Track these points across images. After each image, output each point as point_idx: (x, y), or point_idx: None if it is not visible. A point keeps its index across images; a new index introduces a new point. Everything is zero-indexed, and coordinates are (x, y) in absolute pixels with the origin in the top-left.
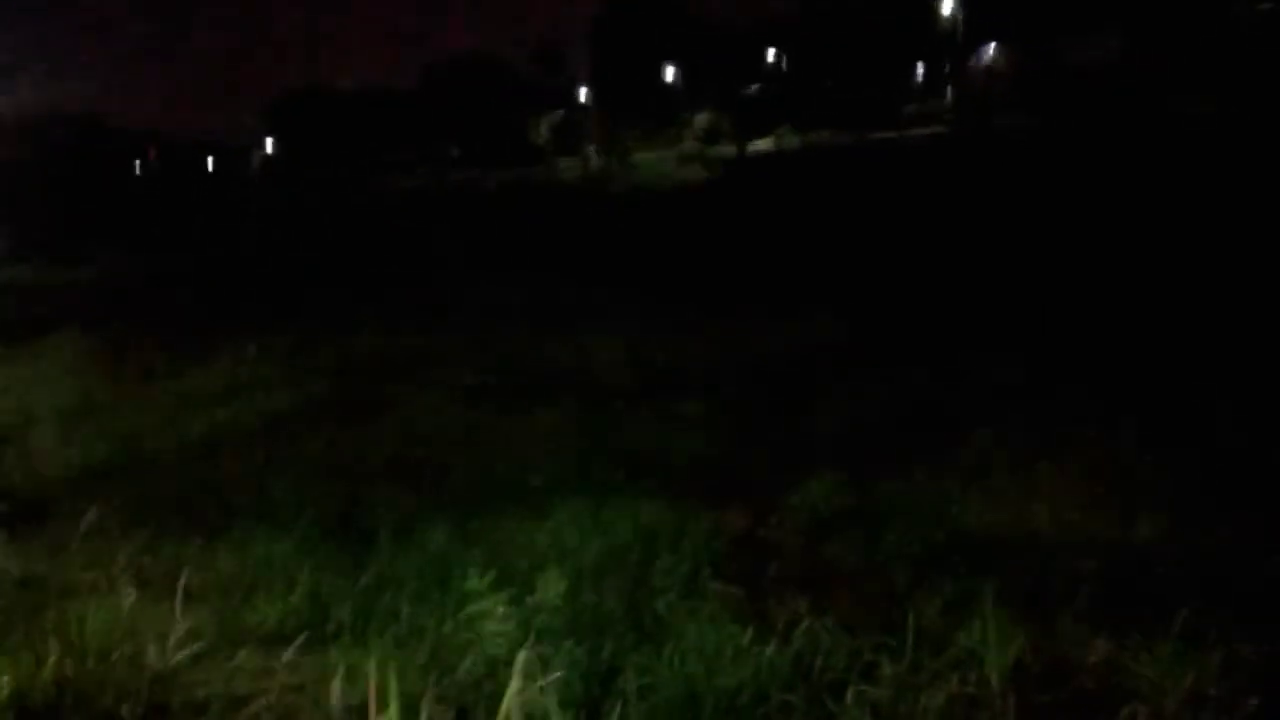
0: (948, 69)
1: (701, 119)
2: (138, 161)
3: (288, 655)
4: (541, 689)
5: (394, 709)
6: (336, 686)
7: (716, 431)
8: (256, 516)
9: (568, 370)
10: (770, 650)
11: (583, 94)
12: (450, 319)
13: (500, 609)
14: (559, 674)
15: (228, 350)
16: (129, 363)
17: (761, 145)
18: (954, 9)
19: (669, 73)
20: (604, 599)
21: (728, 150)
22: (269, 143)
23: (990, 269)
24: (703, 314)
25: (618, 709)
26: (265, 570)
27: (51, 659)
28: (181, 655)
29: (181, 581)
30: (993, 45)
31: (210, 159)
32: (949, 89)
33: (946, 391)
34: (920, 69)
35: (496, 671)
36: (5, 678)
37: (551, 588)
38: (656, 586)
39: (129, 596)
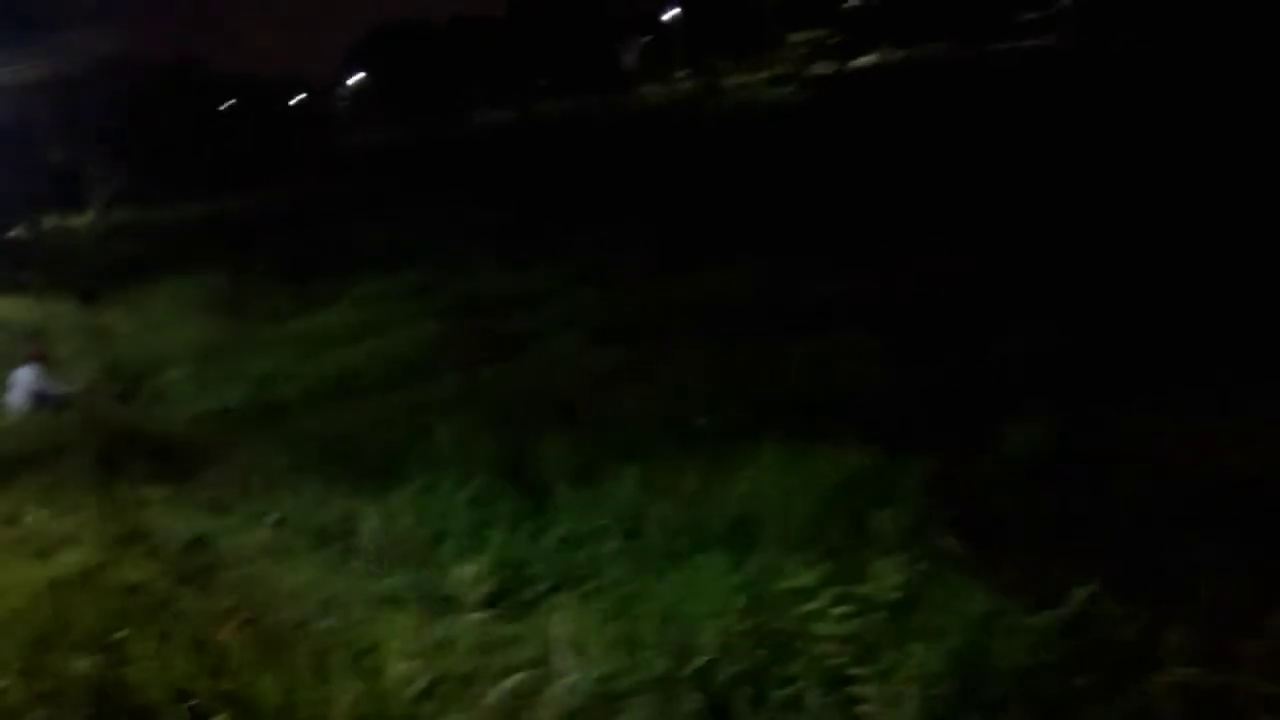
0: None
1: (800, 37)
2: (231, 102)
3: (498, 625)
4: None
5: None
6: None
7: (886, 364)
8: (421, 463)
9: (698, 306)
10: (1042, 621)
11: (670, 15)
12: (561, 255)
13: (837, 609)
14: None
15: (347, 289)
16: (251, 303)
17: (863, 62)
18: None
19: None
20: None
21: (825, 70)
22: (358, 79)
23: (1126, 195)
24: (816, 245)
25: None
26: (446, 524)
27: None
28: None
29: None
30: None
31: (301, 97)
32: None
33: (1111, 329)
34: None
35: (731, 648)
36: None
37: (887, 580)
38: (879, 545)
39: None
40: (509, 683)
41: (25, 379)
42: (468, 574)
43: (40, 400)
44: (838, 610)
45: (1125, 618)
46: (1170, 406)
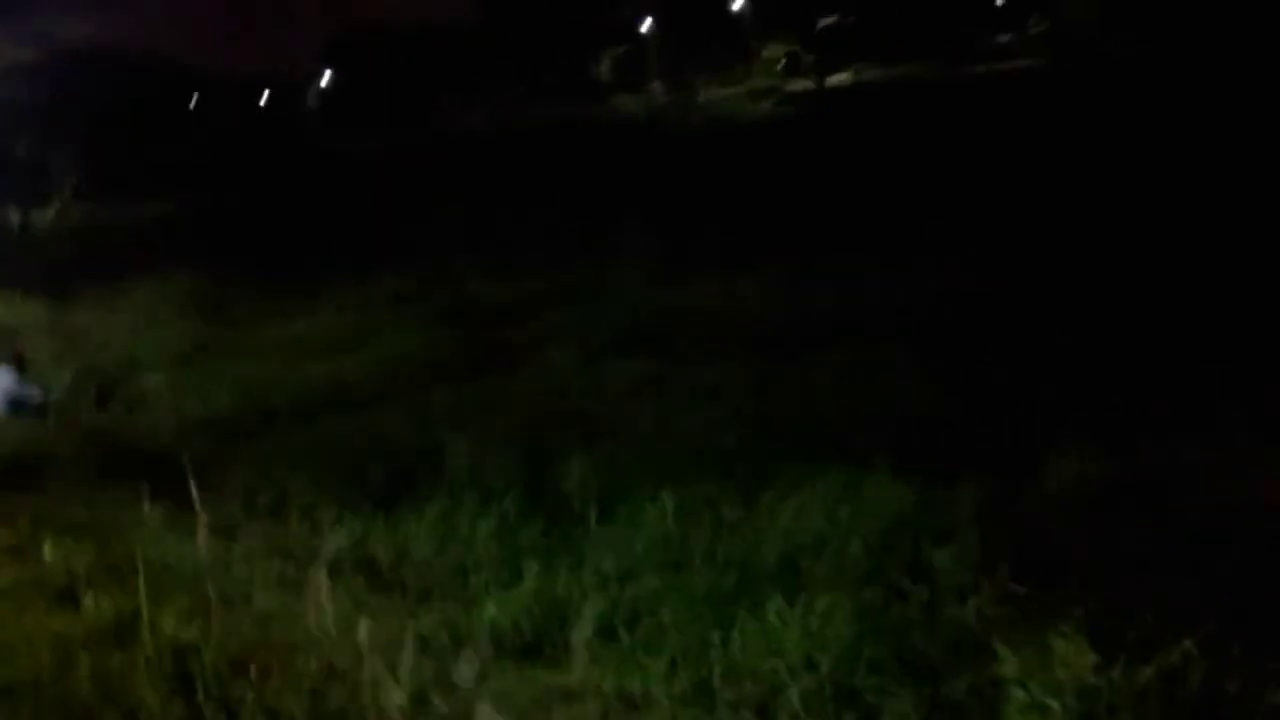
0: None
1: (774, 52)
2: (194, 98)
3: (548, 674)
4: None
5: None
6: None
7: (912, 384)
8: (434, 482)
9: (704, 318)
10: (1124, 678)
11: (645, 27)
12: (546, 266)
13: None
14: None
15: (328, 294)
16: (228, 305)
17: (840, 79)
18: None
19: (738, 1)
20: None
21: (803, 85)
22: (326, 78)
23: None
24: (810, 259)
25: None
26: (470, 554)
27: None
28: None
29: None
30: None
31: (267, 95)
32: (1035, 16)
33: (1130, 347)
34: None
35: (820, 711)
36: None
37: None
38: (941, 585)
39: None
40: None
41: (1, 383)
42: (504, 614)
43: (17, 405)
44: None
45: (1221, 672)
46: (1216, 430)
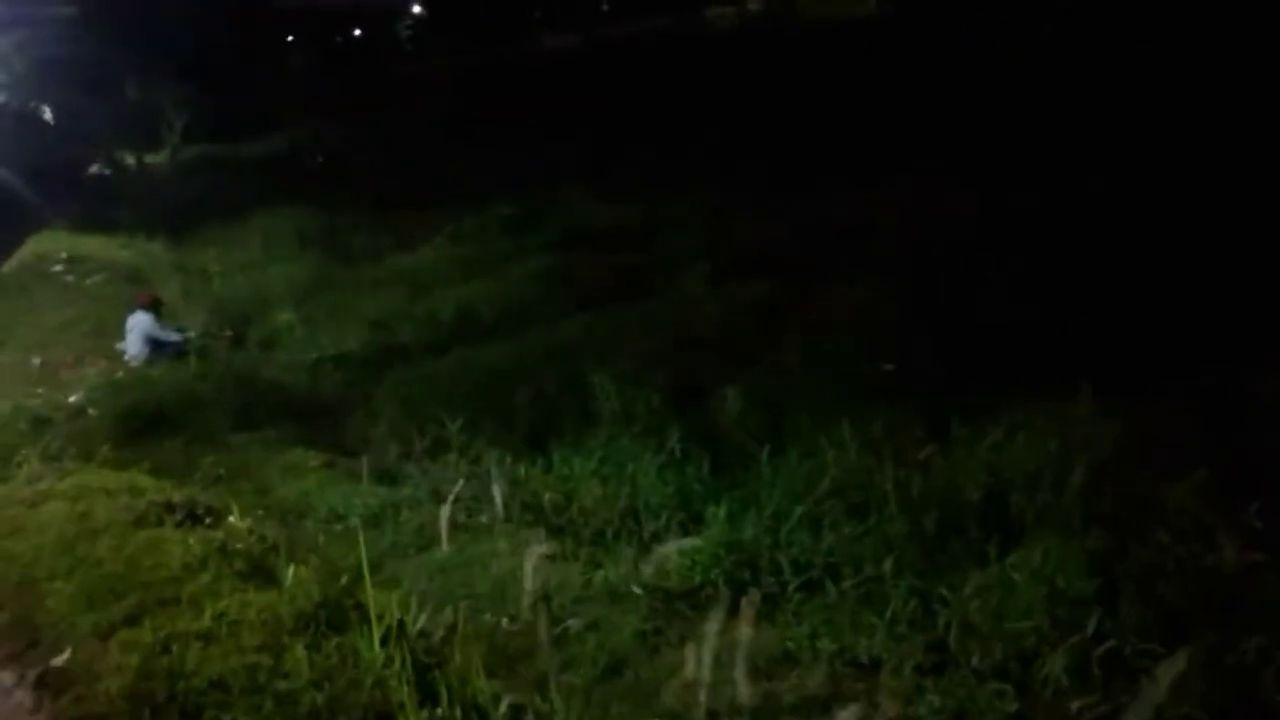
0: None
1: None
2: (290, 37)
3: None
4: None
5: None
6: None
7: (1066, 302)
8: (582, 417)
9: (826, 235)
10: None
11: None
12: (654, 186)
13: None
14: None
15: (441, 224)
16: (345, 239)
17: None
18: None
19: None
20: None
21: None
22: (417, 9)
23: None
24: (936, 175)
25: None
26: (640, 496)
27: None
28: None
29: None
30: None
31: (359, 27)
32: None
33: None
34: None
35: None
36: None
37: None
38: (1180, 526)
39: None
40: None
41: (142, 325)
42: (691, 561)
43: (158, 347)
44: None
45: None
46: None
